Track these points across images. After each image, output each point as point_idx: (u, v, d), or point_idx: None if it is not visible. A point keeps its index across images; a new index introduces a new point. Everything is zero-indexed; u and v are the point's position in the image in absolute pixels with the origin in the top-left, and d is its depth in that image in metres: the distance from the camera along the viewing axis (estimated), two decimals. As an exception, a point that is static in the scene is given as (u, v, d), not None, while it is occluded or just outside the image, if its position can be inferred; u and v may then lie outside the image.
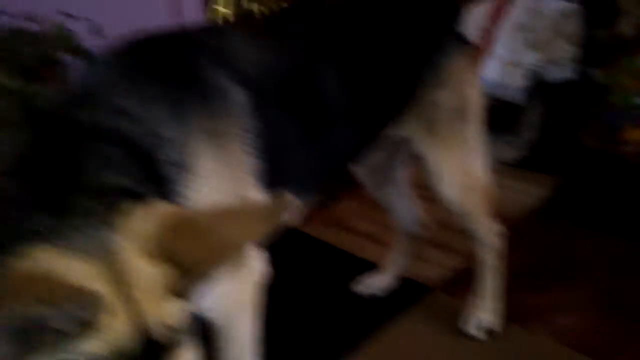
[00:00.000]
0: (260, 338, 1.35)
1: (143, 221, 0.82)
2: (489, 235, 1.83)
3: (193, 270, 0.81)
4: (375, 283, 2.10)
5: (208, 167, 1.06)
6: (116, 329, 0.74)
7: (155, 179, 0.97)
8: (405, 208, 2.02)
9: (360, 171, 1.93)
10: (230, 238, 0.81)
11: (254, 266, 1.25)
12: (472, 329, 1.87)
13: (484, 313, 1.88)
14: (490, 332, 1.86)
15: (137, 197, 0.87)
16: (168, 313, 0.80)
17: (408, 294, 2.08)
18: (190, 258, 0.80)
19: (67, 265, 0.76)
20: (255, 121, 1.17)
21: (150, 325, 0.77)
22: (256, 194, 1.17)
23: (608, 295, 2.07)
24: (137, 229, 0.81)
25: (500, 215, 1.86)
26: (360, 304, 2.06)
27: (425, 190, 1.79)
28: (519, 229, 2.46)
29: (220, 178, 1.09)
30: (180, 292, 0.81)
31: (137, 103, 1.00)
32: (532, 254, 2.31)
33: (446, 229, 2.20)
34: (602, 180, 2.69)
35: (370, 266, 2.18)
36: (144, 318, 0.77)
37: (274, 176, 1.20)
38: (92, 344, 0.73)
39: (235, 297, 1.25)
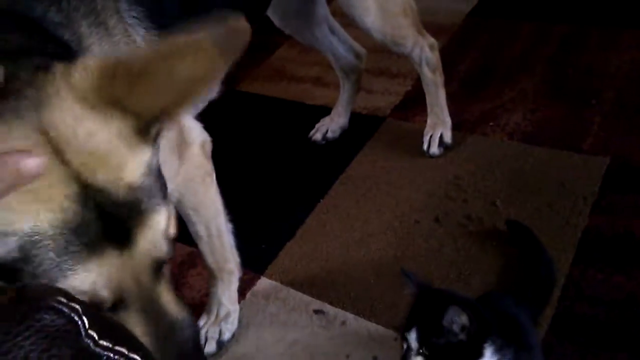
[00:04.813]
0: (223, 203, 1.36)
1: (79, 77, 0.71)
2: (422, 51, 1.78)
3: (144, 112, 0.71)
4: (331, 126, 2.09)
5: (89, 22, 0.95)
6: (58, 193, 0.64)
7: (55, 42, 0.87)
8: (336, 44, 1.95)
9: (279, 19, 1.85)
10: (181, 76, 0.70)
11: (194, 139, 1.23)
12: (433, 148, 1.89)
13: (438, 130, 1.90)
14: (445, 147, 1.89)
15: (52, 57, 0.77)
16: (127, 168, 0.70)
17: (362, 128, 2.08)
18: (136, 103, 0.71)
19: None
20: None
21: (104, 185, 0.68)
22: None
23: (552, 83, 2.08)
24: (73, 85, 0.71)
25: (435, 26, 1.82)
26: (322, 149, 2.06)
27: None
28: (457, 37, 2.44)
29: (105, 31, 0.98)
30: (138, 139, 0.71)
31: None
32: (474, 59, 2.29)
33: (384, 55, 2.16)
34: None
35: (322, 110, 2.17)
36: (92, 177, 0.67)
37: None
38: (34, 218, 0.63)
39: (185, 174, 1.23)
